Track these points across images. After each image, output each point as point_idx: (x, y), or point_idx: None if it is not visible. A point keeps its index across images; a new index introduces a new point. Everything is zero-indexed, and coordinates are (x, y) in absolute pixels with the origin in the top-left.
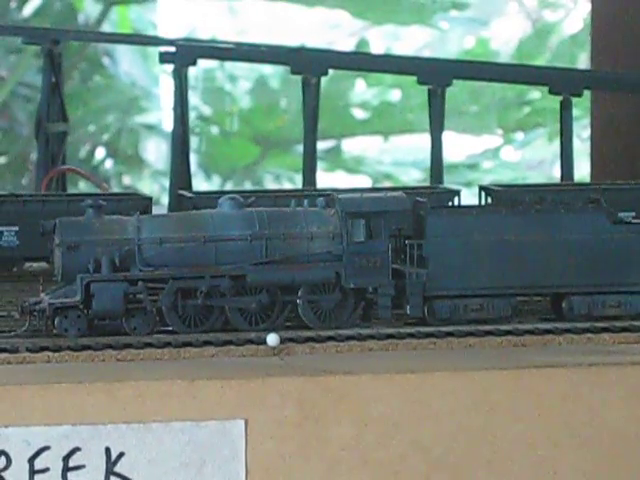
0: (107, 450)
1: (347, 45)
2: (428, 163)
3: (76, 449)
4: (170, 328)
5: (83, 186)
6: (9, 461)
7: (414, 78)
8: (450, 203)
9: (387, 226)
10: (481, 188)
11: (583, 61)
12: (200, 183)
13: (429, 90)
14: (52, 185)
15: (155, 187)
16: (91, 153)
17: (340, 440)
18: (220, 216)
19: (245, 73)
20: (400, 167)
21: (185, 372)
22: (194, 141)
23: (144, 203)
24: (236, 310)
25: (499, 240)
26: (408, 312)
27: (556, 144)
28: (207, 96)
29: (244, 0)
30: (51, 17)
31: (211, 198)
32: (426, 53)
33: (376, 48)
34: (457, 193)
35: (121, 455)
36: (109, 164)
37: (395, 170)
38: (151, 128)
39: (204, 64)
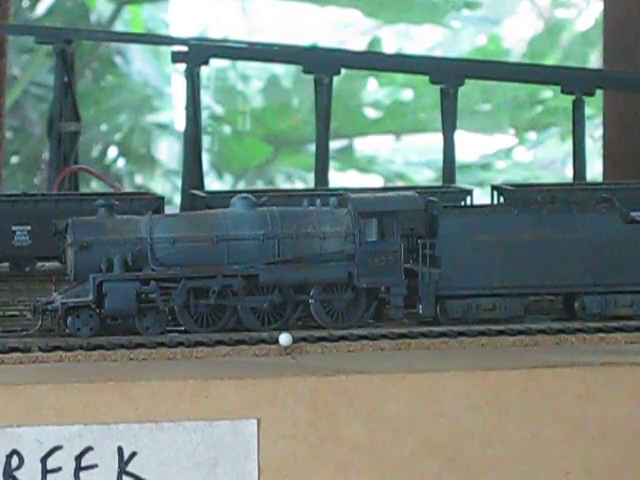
0: (119, 449)
1: (359, 44)
2: (440, 163)
3: (88, 448)
4: (182, 328)
5: (95, 185)
6: (21, 460)
7: (426, 77)
8: (462, 203)
9: (399, 226)
10: (493, 188)
11: (595, 60)
12: (212, 182)
13: (441, 89)
14: (64, 184)
15: (167, 186)
16: (103, 152)
17: (352, 439)
18: (232, 216)
19: (257, 72)
20: (412, 167)
21: (198, 372)
22: (206, 140)
23: (156, 203)
24: (248, 309)
25: (511, 240)
26: (420, 312)
27: (568, 143)
28: (219, 95)
29: None
30: (63, 16)
31: (223, 197)
32: (438, 52)
33: (388, 47)
34: (469, 193)
35: (133, 455)
36: (121, 163)
37: (407, 169)
38: (163, 127)
39: (216, 63)
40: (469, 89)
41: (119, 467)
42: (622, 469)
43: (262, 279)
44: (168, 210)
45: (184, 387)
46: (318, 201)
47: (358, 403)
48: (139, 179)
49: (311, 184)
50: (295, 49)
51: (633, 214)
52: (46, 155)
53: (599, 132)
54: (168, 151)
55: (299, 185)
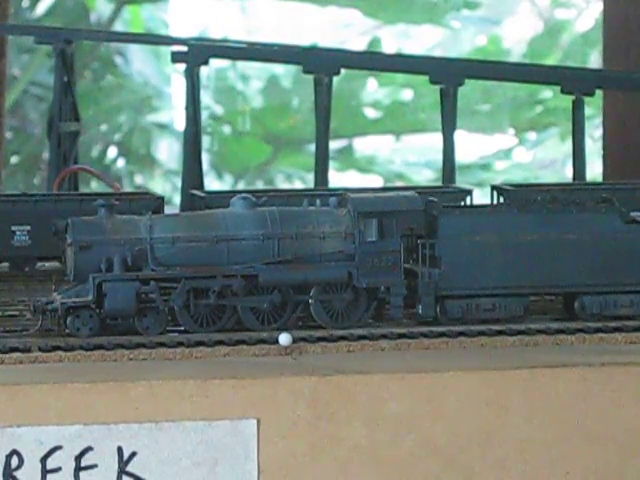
0: (119, 449)
1: (359, 44)
2: (440, 163)
3: (88, 448)
4: (182, 328)
5: (95, 185)
6: (21, 460)
7: (426, 77)
8: (462, 203)
9: (399, 226)
10: (493, 188)
11: (595, 60)
12: (212, 182)
13: (441, 89)
14: (64, 184)
15: (167, 186)
16: (103, 152)
17: (352, 439)
18: (232, 216)
19: (257, 72)
20: (412, 167)
21: (197, 372)
22: (206, 140)
23: (156, 203)
24: (248, 310)
25: (511, 240)
26: (420, 312)
27: (568, 143)
28: (219, 95)
29: None
30: (63, 16)
31: (223, 197)
32: (438, 52)
33: (388, 47)
34: (469, 193)
35: (133, 454)
36: (121, 163)
37: (407, 170)
38: (163, 127)
39: (216, 63)
40: (469, 89)
41: (119, 467)
42: (621, 469)
43: (262, 279)
44: (168, 210)
45: (184, 387)
46: (318, 201)
47: (358, 403)
48: (139, 179)
49: (311, 184)
50: (295, 49)
51: (633, 214)
52: (46, 155)
53: (599, 132)
54: (168, 151)
55: (299, 185)
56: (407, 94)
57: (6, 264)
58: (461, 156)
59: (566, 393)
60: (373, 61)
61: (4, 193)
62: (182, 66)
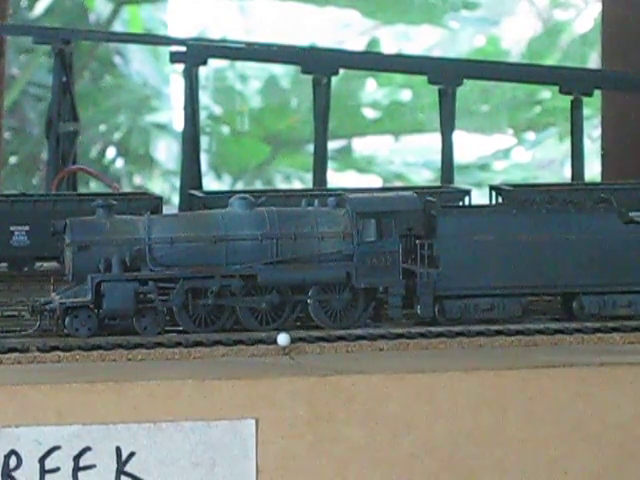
0: (118, 450)
1: (357, 44)
2: (439, 163)
3: (87, 449)
4: (181, 328)
5: (94, 186)
6: (20, 461)
7: (425, 78)
8: (460, 203)
9: (398, 226)
10: (492, 188)
11: (594, 60)
12: (210, 183)
13: (440, 90)
14: (63, 185)
15: (166, 187)
16: (102, 153)
17: (350, 440)
18: (231, 216)
19: (256, 73)
20: (411, 167)
21: (196, 372)
22: (205, 141)
23: (155, 203)
24: (247, 310)
25: (510, 240)
26: (419, 312)
27: (567, 144)
28: (218, 96)
29: None
30: (62, 16)
31: (222, 198)
32: (436, 52)
33: (386, 47)
34: (467, 193)
35: (132, 455)
36: (120, 164)
37: (406, 170)
38: (162, 128)
39: (215, 64)
40: (467, 89)
41: (117, 467)
42: (620, 469)
43: (260, 279)
44: (166, 210)
45: (182, 387)
46: (316, 201)
47: (356, 403)
48: (138, 179)
49: (309, 184)
50: (294, 49)
51: (631, 214)
52: (45, 155)
53: (597, 132)
54: (167, 151)
55: (297, 185)
56: (406, 94)
57: (5, 264)
58: (460, 156)
59: (565, 393)
60: (372, 61)
61: (3, 193)
62: (181, 66)
